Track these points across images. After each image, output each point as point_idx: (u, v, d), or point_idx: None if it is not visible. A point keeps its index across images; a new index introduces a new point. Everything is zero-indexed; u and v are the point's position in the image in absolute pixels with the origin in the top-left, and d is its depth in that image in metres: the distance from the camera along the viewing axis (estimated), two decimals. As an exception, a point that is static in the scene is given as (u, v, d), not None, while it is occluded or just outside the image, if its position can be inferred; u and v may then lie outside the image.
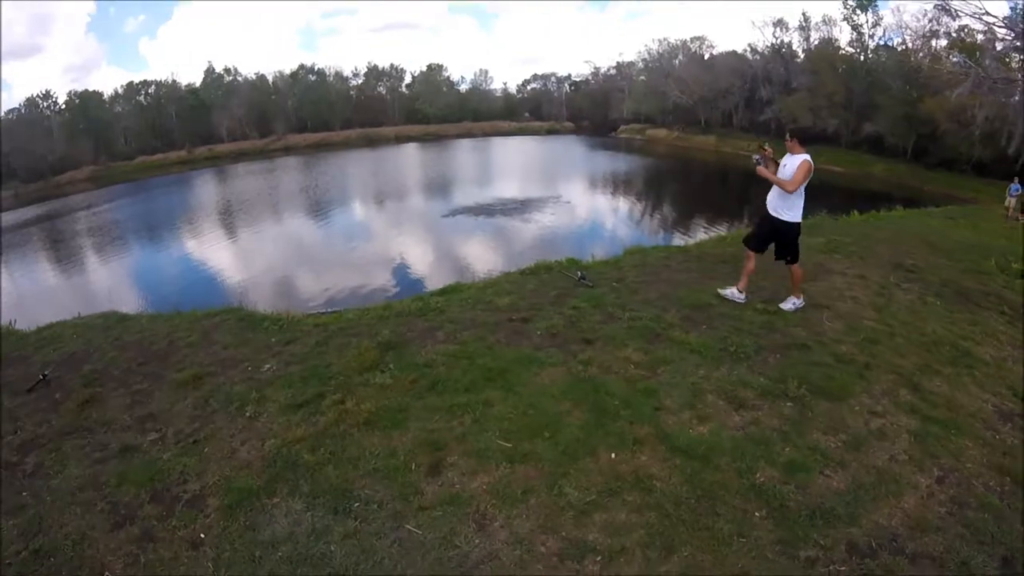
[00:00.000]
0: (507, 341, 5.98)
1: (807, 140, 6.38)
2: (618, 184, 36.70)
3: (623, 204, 30.03)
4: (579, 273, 8.06)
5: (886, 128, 42.14)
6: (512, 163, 52.15)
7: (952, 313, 7.12)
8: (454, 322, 6.62)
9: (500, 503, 3.67)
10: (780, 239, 6.57)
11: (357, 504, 3.75)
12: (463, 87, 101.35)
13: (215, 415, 4.97)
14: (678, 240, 19.04)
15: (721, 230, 21.74)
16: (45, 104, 75.19)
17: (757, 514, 3.55)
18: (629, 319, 6.43)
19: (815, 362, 5.45)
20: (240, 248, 22.66)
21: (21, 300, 17.80)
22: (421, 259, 18.53)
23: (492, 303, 7.21)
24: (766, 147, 6.48)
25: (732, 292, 7.00)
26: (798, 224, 6.39)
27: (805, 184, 6.16)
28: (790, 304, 6.72)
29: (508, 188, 33.28)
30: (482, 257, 17.82)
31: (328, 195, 35.47)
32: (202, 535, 3.62)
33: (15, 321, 8.78)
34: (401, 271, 17.28)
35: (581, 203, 27.63)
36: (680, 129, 68.77)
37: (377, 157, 60.35)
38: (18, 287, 20.40)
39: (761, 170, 6.40)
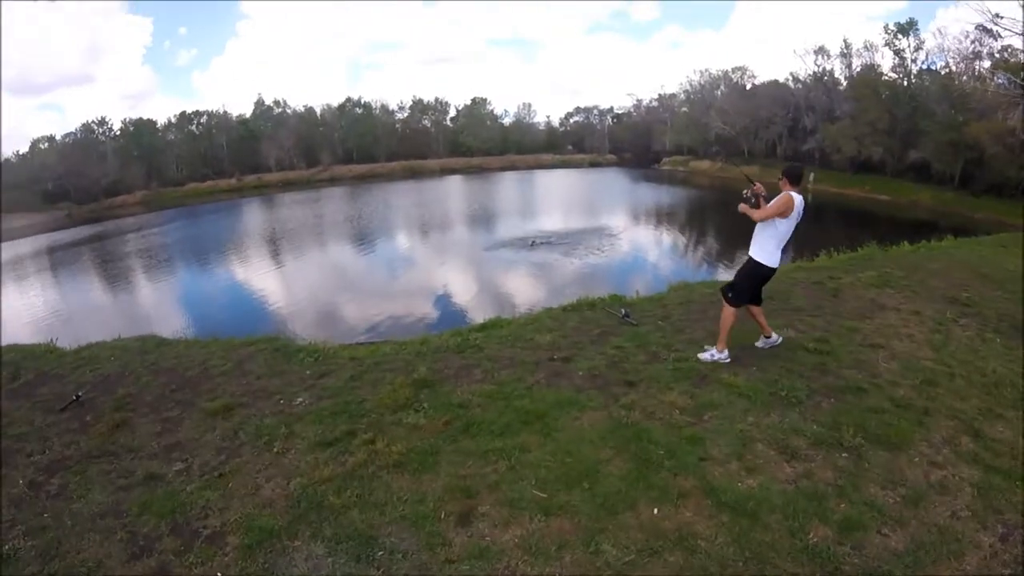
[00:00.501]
0: (546, 382, 5.82)
1: (799, 179, 5.90)
2: (661, 217, 36.24)
3: (666, 237, 29.58)
4: (623, 310, 7.89)
5: (932, 154, 41.02)
6: (555, 196, 52.05)
7: (1011, 350, 6.69)
8: (492, 360, 6.49)
9: (532, 559, 3.47)
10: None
11: (381, 553, 3.59)
12: (506, 120, 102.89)
13: (242, 448, 4.92)
14: (722, 274, 18.57)
15: None
16: (100, 130, 79.30)
17: (810, 578, 3.28)
18: (674, 360, 6.21)
19: (871, 407, 5.13)
20: (284, 275, 22.95)
21: (67, 318, 18.34)
22: (462, 292, 18.46)
23: (532, 341, 7.07)
24: (756, 184, 6.00)
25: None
26: (760, 265, 5.91)
27: (785, 229, 5.81)
28: (707, 355, 6.14)
29: (551, 221, 33.15)
30: (523, 291, 17.66)
31: (372, 225, 35.88)
32: (219, 574, 3.52)
33: (57, 339, 9.03)
34: (441, 303, 17.23)
35: (624, 236, 27.19)
36: (723, 160, 68.09)
37: (421, 189, 61.17)
38: (65, 305, 20.93)
39: (742, 206, 5.98)
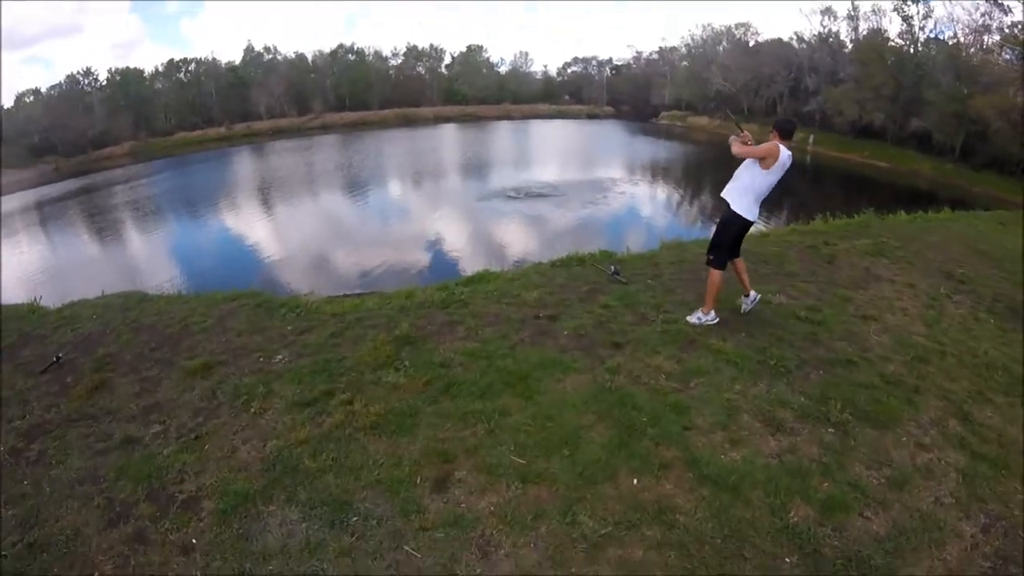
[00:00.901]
0: (531, 341, 5.67)
1: (790, 134, 5.54)
2: (657, 171, 35.81)
3: (661, 193, 29.30)
4: (612, 267, 7.70)
5: (934, 124, 40.23)
6: (550, 147, 51.29)
7: (1006, 332, 6.59)
8: (477, 316, 6.33)
9: (507, 528, 3.38)
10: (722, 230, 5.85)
11: (355, 518, 3.50)
12: (503, 69, 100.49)
13: (220, 409, 4.78)
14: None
15: (761, 225, 21.09)
16: (86, 81, 76.60)
17: (788, 560, 3.21)
18: (663, 322, 6.07)
19: (861, 382, 5.03)
20: (272, 225, 22.65)
21: (54, 274, 18.13)
22: (452, 243, 18.24)
23: (519, 297, 6.89)
24: (744, 131, 5.63)
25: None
26: (737, 216, 5.61)
27: (764, 181, 5.48)
28: (695, 318, 5.99)
29: (545, 173, 32.75)
30: (513, 243, 17.50)
31: (362, 175, 35.28)
32: (194, 540, 3.43)
33: (40, 298, 8.77)
34: (430, 254, 17.04)
35: (618, 190, 26.93)
36: (722, 117, 67.18)
37: (414, 137, 59.99)
38: (53, 261, 20.63)
39: (732, 138, 5.60)
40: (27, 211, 34.82)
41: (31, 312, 7.97)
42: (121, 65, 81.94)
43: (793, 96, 59.22)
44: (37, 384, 5.53)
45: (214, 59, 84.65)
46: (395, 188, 31.12)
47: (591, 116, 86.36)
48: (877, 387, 4.97)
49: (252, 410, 4.69)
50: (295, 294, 8.34)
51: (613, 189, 26.91)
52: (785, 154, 5.35)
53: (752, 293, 6.14)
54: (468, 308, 6.60)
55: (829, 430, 4.34)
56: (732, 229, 5.72)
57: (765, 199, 5.68)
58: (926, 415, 4.61)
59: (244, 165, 47.66)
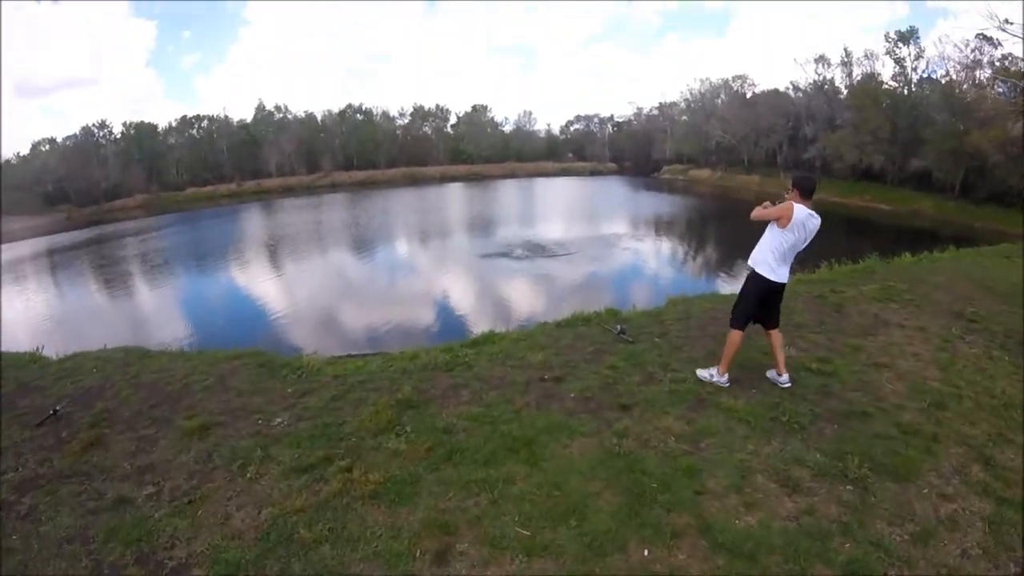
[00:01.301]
0: (536, 404, 5.56)
1: (809, 192, 5.40)
2: (660, 226, 35.95)
3: (664, 247, 29.28)
4: (618, 327, 7.61)
5: (933, 163, 40.73)
6: (554, 204, 51.76)
7: (1020, 369, 6.45)
8: (481, 379, 6.24)
9: (512, 606, 3.21)
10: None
11: (352, 594, 3.33)
12: (507, 127, 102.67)
13: (215, 472, 4.67)
14: (722, 286, 18.29)
15: None
16: (101, 133, 79.11)
17: (812, 631, 3.02)
18: (671, 381, 5.95)
19: (878, 434, 4.88)
20: (279, 283, 22.60)
21: (59, 322, 18.20)
22: (457, 302, 18.10)
23: (524, 359, 6.80)
24: (788, 192, 5.51)
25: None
26: (759, 277, 5.50)
27: (784, 240, 5.36)
28: (707, 373, 5.92)
29: (549, 230, 32.94)
30: (519, 302, 17.36)
31: (369, 233, 35.50)
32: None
33: (43, 347, 8.82)
34: (435, 314, 16.88)
35: (622, 246, 26.98)
36: (723, 169, 68.07)
37: (421, 196, 60.84)
38: (59, 309, 20.61)
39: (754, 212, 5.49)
40: (37, 258, 35.41)
41: (32, 361, 8.00)
42: (135, 119, 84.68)
43: (792, 144, 60.02)
44: (33, 436, 5.46)
45: (226, 116, 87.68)
46: (401, 246, 31.29)
47: (594, 173, 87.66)
48: (894, 438, 4.82)
49: (248, 475, 4.56)
50: (298, 354, 8.25)
51: (617, 245, 27.01)
52: (803, 212, 5.21)
53: (784, 376, 5.78)
54: (473, 371, 6.51)
55: (847, 487, 4.17)
56: (752, 289, 5.57)
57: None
58: (947, 463, 4.45)
59: (253, 222, 48.15)
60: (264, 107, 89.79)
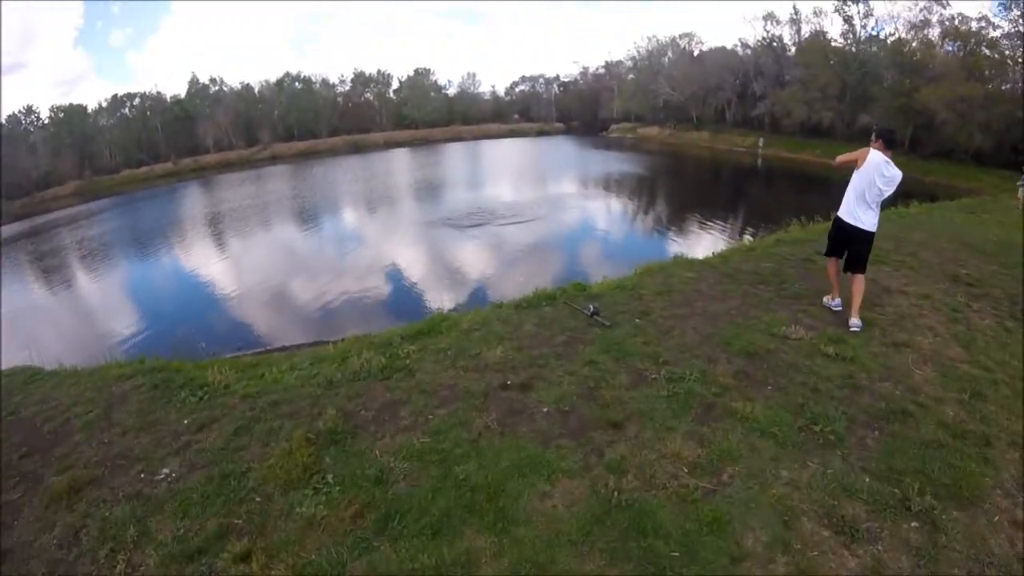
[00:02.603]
0: (500, 426, 4.27)
1: (889, 143, 5.91)
2: (615, 185, 34.61)
3: (624, 207, 28.09)
4: (590, 307, 6.39)
5: (881, 119, 40.67)
6: (503, 165, 49.88)
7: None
8: (426, 391, 4.91)
9: None
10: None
11: None
12: (451, 91, 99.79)
13: (81, 561, 3.36)
14: (691, 246, 17.25)
15: (732, 232, 20.19)
16: (28, 120, 73.65)
17: None
18: (667, 380, 4.79)
19: (926, 441, 3.97)
20: (212, 265, 20.48)
21: None
22: (400, 278, 16.46)
23: (479, 357, 5.51)
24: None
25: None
26: (836, 217, 6.14)
27: (858, 182, 5.84)
28: (830, 302, 6.38)
29: (498, 192, 31.38)
30: (470, 278, 15.81)
31: (308, 205, 32.74)
32: None
33: None
34: (375, 292, 15.27)
35: (579, 207, 25.73)
36: (672, 127, 67.33)
37: (365, 163, 57.66)
38: None
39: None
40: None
41: None
42: (65, 102, 78.92)
43: (741, 101, 59.65)
44: None
45: (159, 93, 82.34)
46: (342, 218, 29.05)
47: (541, 133, 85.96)
48: (945, 445, 3.93)
49: (118, 568, 3.24)
50: (208, 360, 6.81)
51: (572, 206, 25.71)
52: (879, 157, 5.62)
53: (856, 320, 5.87)
54: (415, 378, 5.18)
55: (913, 524, 3.24)
56: (833, 229, 6.17)
57: (867, 202, 5.85)
58: (1006, 473, 3.71)
59: (189, 201, 44.21)
60: (198, 81, 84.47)
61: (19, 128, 72.01)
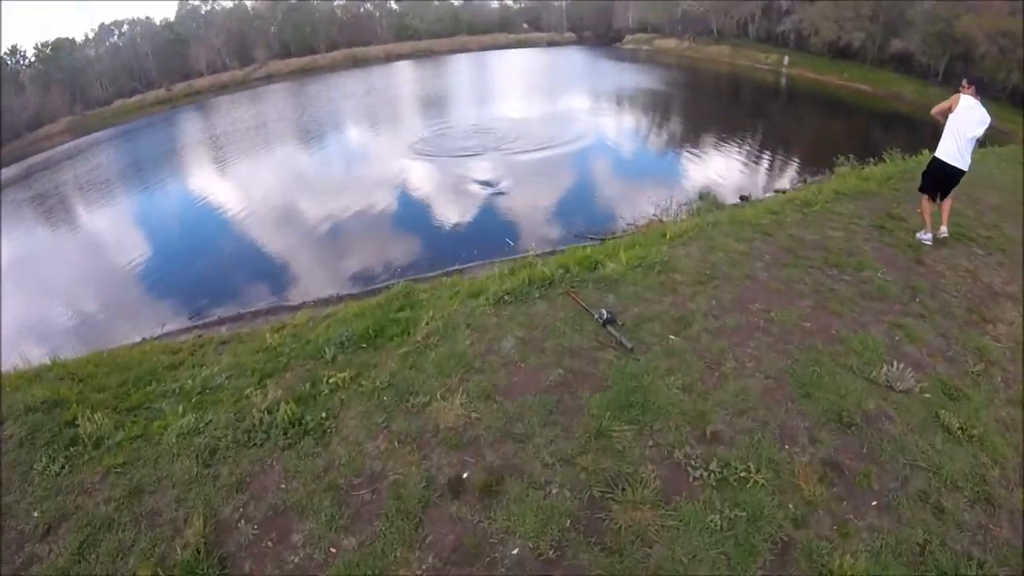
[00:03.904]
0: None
1: (981, 88, 6.34)
2: (630, 101, 31.26)
3: (641, 129, 24.89)
4: (603, 312, 4.50)
5: (916, 46, 37.22)
6: (508, 79, 45.69)
7: None
8: (336, 488, 3.19)
9: None
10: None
11: None
12: (455, 0, 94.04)
13: None
14: (721, 183, 15.05)
15: (768, 166, 18.00)
16: (14, 60, 69.03)
17: None
18: (719, 481, 3.02)
19: None
20: (181, 203, 18.54)
21: None
22: (369, 226, 14.08)
23: (427, 411, 3.70)
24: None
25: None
26: (934, 157, 6.32)
27: (954, 123, 6.07)
28: (921, 234, 6.47)
29: (502, 111, 28.21)
30: (452, 228, 13.36)
31: (294, 130, 29.44)
32: None
33: None
34: (343, 253, 12.75)
35: (590, 131, 22.32)
36: (691, 39, 62.88)
37: (362, 79, 52.75)
38: None
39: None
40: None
41: None
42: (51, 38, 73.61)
43: (766, 15, 55.10)
44: None
45: (147, 18, 77.42)
46: (328, 145, 25.68)
47: (552, 43, 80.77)
48: None
49: None
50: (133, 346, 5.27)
51: (581, 129, 22.38)
52: (970, 100, 6.02)
53: (942, 228, 6.41)
54: (328, 452, 3.42)
55: None
56: (930, 170, 6.32)
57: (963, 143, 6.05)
58: None
59: (180, 128, 40.11)
60: (188, 1, 79.58)
61: (6, 69, 68.64)
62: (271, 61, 74.28)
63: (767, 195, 13.86)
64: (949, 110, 6.03)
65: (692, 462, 3.12)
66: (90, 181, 25.06)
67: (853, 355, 4.07)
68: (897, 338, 4.39)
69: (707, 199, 13.36)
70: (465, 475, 3.12)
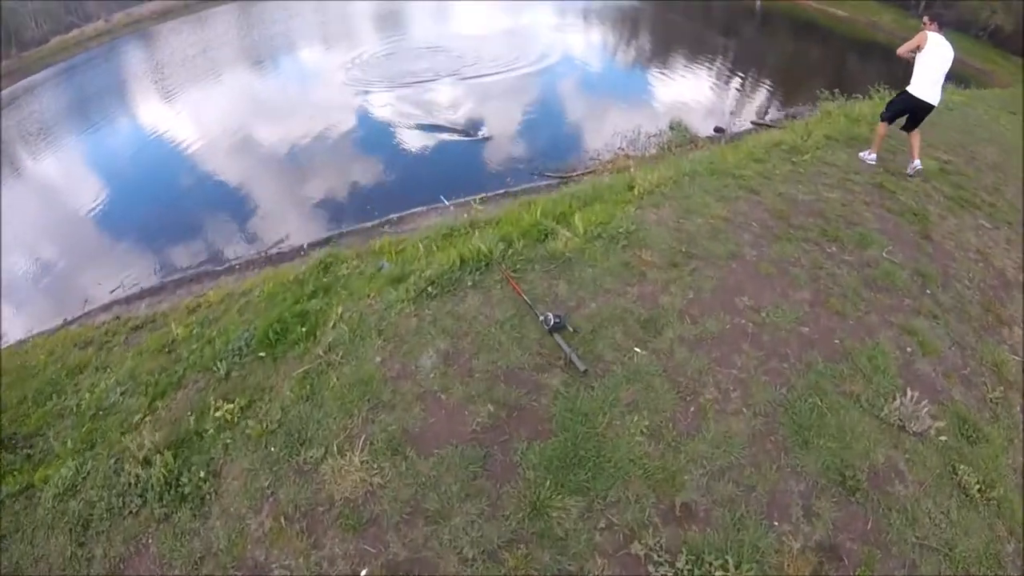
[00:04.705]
0: None
1: (941, 24, 6.38)
2: (599, 17, 27.86)
3: (605, 46, 22.84)
4: (549, 317, 3.54)
5: (894, -27, 35.99)
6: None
7: None
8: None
9: None
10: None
11: None
12: None
13: None
14: (692, 111, 13.88)
15: (741, 89, 16.75)
16: None
17: None
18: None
19: None
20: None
21: None
22: (306, 179, 12.07)
23: (316, 473, 2.89)
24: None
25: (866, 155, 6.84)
26: (904, 91, 6.36)
27: (926, 59, 6.12)
28: (863, 154, 6.83)
29: (460, 26, 25.41)
30: (380, 182, 11.50)
31: (223, 59, 25.02)
32: None
33: None
34: (273, 199, 11.28)
35: (552, 51, 19.71)
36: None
37: None
38: None
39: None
40: None
41: None
42: None
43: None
44: None
45: None
46: (259, 71, 22.27)
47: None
48: None
49: None
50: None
51: (543, 49, 19.89)
52: (937, 37, 6.08)
53: (916, 161, 6.52)
54: (206, 526, 2.76)
55: None
56: (899, 100, 6.49)
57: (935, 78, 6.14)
58: None
59: (120, 62, 36.15)
60: None
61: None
62: (215, -18, 69.08)
63: (744, 128, 12.99)
64: (918, 48, 6.13)
65: (655, 555, 2.36)
66: (25, 131, 21.70)
67: (860, 378, 3.31)
68: (909, 350, 3.64)
69: (679, 130, 12.25)
70: (363, 575, 2.29)
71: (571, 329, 3.49)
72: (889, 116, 6.52)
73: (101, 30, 61.27)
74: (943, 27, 6.27)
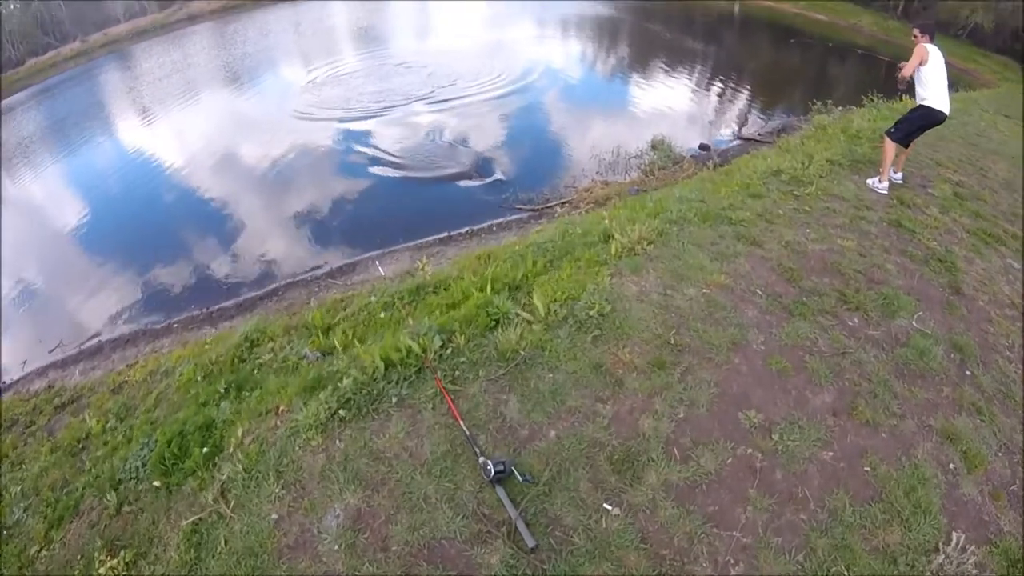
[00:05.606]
0: None
1: (932, 34, 6.10)
2: (577, 28, 27.45)
3: (584, 58, 21.78)
4: (489, 466, 2.67)
5: (876, -24, 35.68)
6: (452, 11, 39.52)
7: None
8: None
9: None
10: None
11: None
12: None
13: None
14: (679, 129, 12.88)
15: (728, 105, 15.60)
16: None
17: None
18: None
19: None
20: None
21: None
22: (239, 215, 11.12)
23: None
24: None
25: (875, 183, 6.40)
26: (919, 106, 5.98)
27: (930, 72, 5.91)
28: (872, 181, 6.41)
29: (440, 43, 24.16)
30: (324, 225, 10.28)
31: (189, 83, 23.42)
32: None
33: None
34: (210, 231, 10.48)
35: (533, 63, 18.86)
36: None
37: (289, 14, 46.64)
38: None
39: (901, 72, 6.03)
40: None
41: None
42: None
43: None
44: None
45: None
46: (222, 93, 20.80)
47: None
48: None
49: None
50: None
51: (521, 63, 18.87)
52: (933, 49, 5.92)
53: (899, 174, 6.55)
54: None
55: None
56: (918, 116, 6.02)
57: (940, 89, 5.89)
58: None
59: (85, 89, 34.83)
60: None
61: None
62: (192, 0, 69.24)
63: (732, 144, 12.23)
64: (922, 62, 5.93)
65: None
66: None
67: (897, 524, 2.51)
68: (952, 466, 2.86)
69: (662, 150, 11.32)
70: None
71: (520, 478, 2.61)
72: (902, 136, 6.10)
73: (77, 52, 61.26)
74: (933, 38, 6.09)
